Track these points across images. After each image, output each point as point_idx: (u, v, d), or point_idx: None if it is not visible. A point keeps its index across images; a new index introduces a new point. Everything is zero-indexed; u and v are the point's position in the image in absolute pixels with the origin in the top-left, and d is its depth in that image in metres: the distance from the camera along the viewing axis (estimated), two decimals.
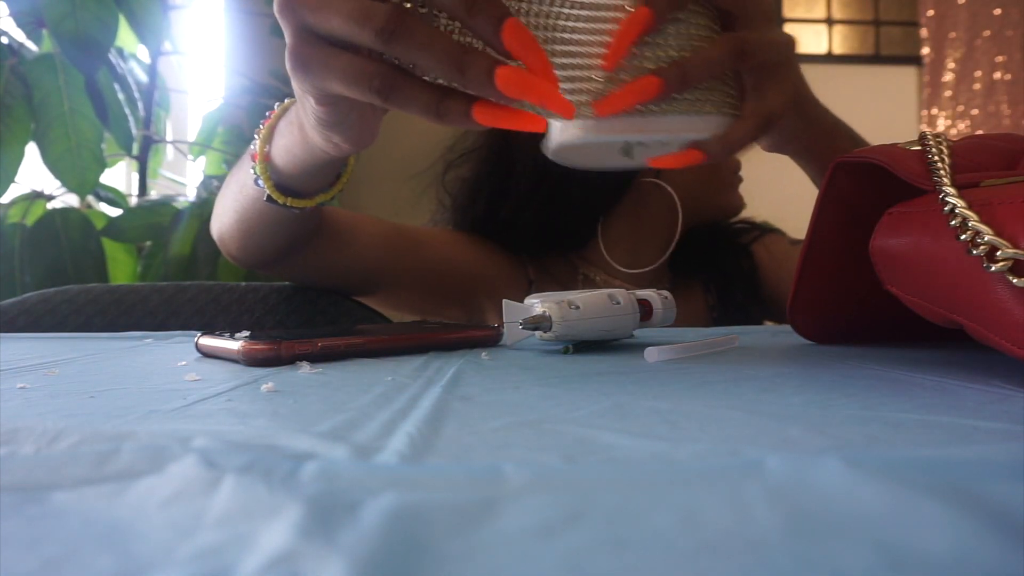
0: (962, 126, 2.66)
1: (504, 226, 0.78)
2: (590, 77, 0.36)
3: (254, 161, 0.50)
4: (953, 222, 0.30)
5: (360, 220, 0.69)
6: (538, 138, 0.78)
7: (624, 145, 0.46)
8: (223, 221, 0.61)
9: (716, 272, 0.81)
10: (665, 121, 0.38)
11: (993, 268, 0.27)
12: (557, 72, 0.35)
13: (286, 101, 0.50)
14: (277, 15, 0.35)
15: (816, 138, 0.54)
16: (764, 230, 0.86)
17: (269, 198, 0.51)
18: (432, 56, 0.32)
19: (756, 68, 0.40)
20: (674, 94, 0.37)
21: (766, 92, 0.41)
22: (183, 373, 0.33)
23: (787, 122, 0.51)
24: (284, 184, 0.51)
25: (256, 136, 0.50)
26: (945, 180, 0.32)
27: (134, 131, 1.22)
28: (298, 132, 0.45)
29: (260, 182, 0.50)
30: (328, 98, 0.37)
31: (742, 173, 0.82)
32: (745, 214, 0.87)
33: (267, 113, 0.50)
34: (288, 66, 0.36)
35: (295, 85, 0.38)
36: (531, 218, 0.76)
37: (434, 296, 0.76)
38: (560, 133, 0.40)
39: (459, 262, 0.76)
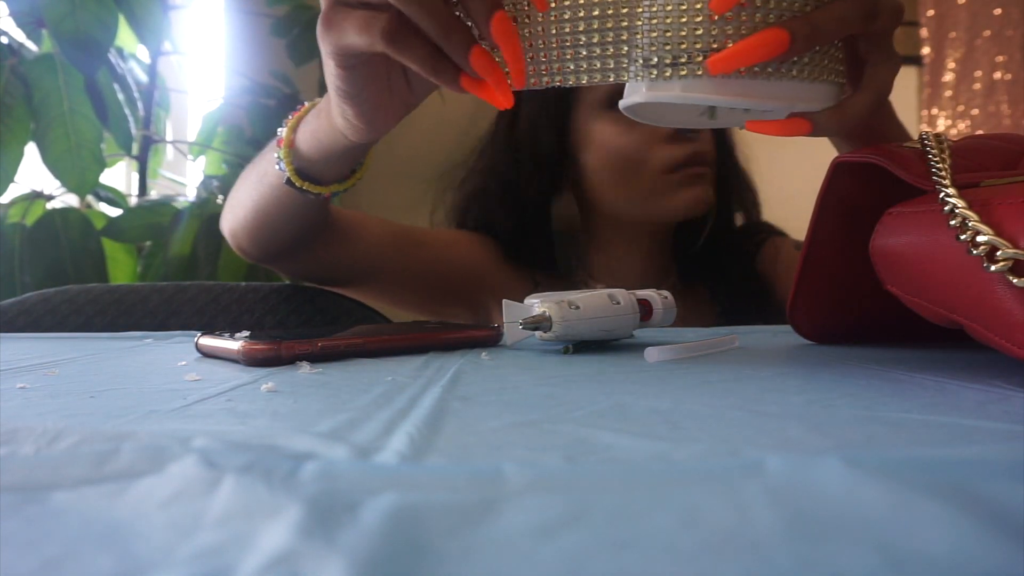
0: (962, 126, 2.65)
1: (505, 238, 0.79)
2: (692, 27, 0.32)
3: (279, 147, 0.54)
4: (953, 222, 0.30)
5: (365, 218, 0.71)
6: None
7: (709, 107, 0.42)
8: (236, 214, 0.63)
9: (721, 278, 0.80)
10: (773, 87, 0.34)
11: (993, 268, 0.27)
12: (645, 23, 0.33)
13: (316, 99, 0.54)
14: None
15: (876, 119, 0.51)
16: (769, 233, 0.83)
17: (288, 181, 0.54)
18: (427, 13, 0.36)
19: (876, 33, 0.38)
20: (799, 55, 0.33)
21: (884, 61, 0.38)
22: (183, 373, 0.33)
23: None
24: (304, 171, 0.54)
25: (284, 125, 0.54)
26: (945, 180, 0.32)
27: (134, 131, 1.21)
28: (325, 118, 0.49)
29: (282, 165, 0.54)
30: (348, 59, 0.41)
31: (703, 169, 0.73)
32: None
33: (297, 107, 0.55)
34: (318, 32, 0.40)
35: (323, 51, 0.41)
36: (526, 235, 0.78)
37: (437, 295, 0.76)
38: (649, 88, 0.35)
39: (463, 262, 0.77)
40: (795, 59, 0.34)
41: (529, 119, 0.77)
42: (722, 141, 0.77)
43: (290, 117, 0.54)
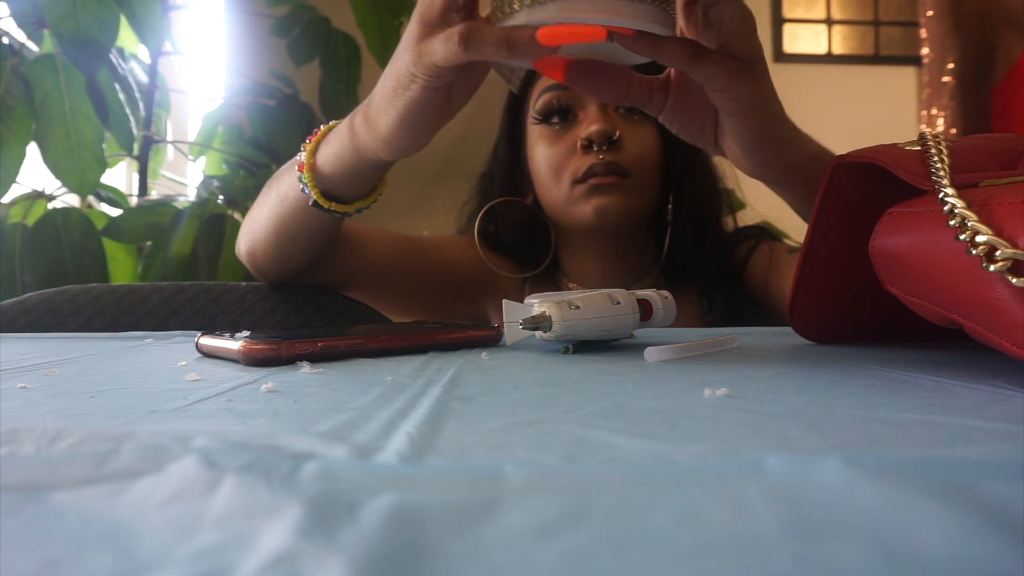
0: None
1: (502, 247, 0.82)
2: None
3: (300, 171, 0.55)
4: (952, 222, 0.30)
5: (371, 230, 0.74)
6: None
7: None
8: (256, 236, 0.65)
9: (709, 279, 0.79)
10: (621, 6, 0.39)
11: (992, 268, 0.27)
12: None
13: (331, 123, 0.56)
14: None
15: (796, 167, 0.51)
16: (763, 237, 0.83)
17: (315, 204, 0.56)
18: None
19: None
20: None
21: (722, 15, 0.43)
22: (183, 373, 0.33)
23: (757, 134, 0.49)
24: (328, 191, 0.56)
25: (302, 149, 0.56)
26: (944, 180, 0.32)
27: (134, 131, 1.21)
28: (347, 139, 0.52)
29: (307, 189, 0.55)
30: (439, 80, 0.45)
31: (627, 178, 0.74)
32: (746, 216, 0.86)
33: (315, 130, 0.57)
34: (409, 60, 0.44)
35: (413, 74, 0.45)
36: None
37: (441, 297, 0.78)
38: (528, 13, 0.41)
39: (463, 263, 0.79)
40: None
41: (499, 129, 0.82)
42: (673, 149, 0.76)
43: (308, 141, 0.56)
